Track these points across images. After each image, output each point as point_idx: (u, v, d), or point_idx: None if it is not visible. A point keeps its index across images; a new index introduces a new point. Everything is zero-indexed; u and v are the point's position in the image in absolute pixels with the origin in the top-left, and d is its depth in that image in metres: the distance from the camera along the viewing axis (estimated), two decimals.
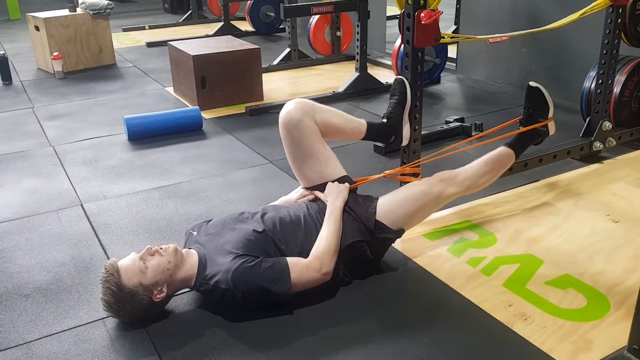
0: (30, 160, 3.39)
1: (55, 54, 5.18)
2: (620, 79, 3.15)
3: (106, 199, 2.86)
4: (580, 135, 3.11)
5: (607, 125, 3.03)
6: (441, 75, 4.77)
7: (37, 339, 1.87)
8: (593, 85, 3.12)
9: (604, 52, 2.92)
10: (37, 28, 5.39)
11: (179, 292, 2.01)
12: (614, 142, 3.10)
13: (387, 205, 2.15)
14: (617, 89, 3.14)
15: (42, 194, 2.92)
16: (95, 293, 2.05)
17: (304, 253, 1.99)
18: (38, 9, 5.97)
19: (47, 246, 2.43)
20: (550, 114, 2.45)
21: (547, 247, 2.30)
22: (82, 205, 2.80)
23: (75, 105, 4.42)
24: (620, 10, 2.83)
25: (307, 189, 2.26)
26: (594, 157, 3.12)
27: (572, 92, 3.87)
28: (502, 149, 2.42)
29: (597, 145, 3.05)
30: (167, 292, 1.88)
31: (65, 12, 5.42)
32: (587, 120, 3.11)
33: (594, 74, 3.13)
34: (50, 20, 5.24)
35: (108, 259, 2.25)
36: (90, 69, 5.53)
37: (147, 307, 1.86)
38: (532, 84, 2.47)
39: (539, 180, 2.90)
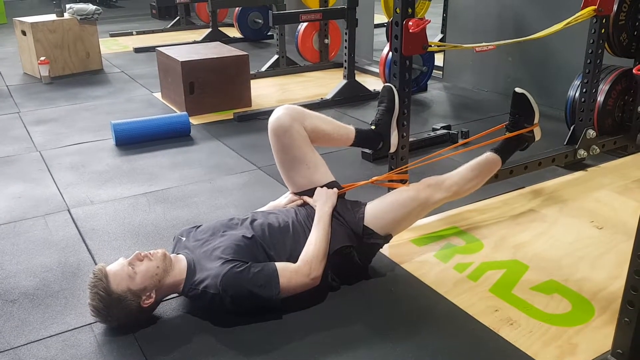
0: (17, 165, 3.36)
1: (42, 58, 5.15)
2: (603, 88, 3.20)
3: (93, 204, 2.85)
4: (565, 143, 3.15)
5: (591, 133, 3.08)
6: (428, 83, 4.81)
7: (24, 345, 1.85)
8: (577, 94, 3.16)
9: (588, 61, 2.97)
10: (23, 33, 5.36)
11: (167, 298, 2.01)
12: (598, 150, 3.14)
13: (375, 211, 2.17)
14: (600, 98, 3.19)
15: (29, 199, 2.91)
16: (82, 298, 2.04)
17: (293, 258, 1.99)
18: (25, 13, 5.94)
19: (34, 251, 2.41)
20: (536, 120, 2.49)
21: (532, 253, 2.33)
22: (69, 210, 2.78)
23: (62, 111, 4.40)
24: (604, 21, 2.88)
25: (295, 194, 2.27)
26: (578, 165, 3.17)
27: (556, 100, 3.93)
28: (488, 155, 2.45)
29: (582, 153, 3.10)
30: (155, 297, 1.88)
31: (52, 17, 5.40)
32: (572, 128, 3.16)
33: (578, 82, 3.18)
34: (37, 25, 5.22)
35: (95, 264, 2.24)
36: (77, 74, 5.51)
37: (135, 312, 1.85)
38: (517, 90, 2.51)
39: (524, 187, 2.93)
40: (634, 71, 1.65)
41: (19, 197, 2.93)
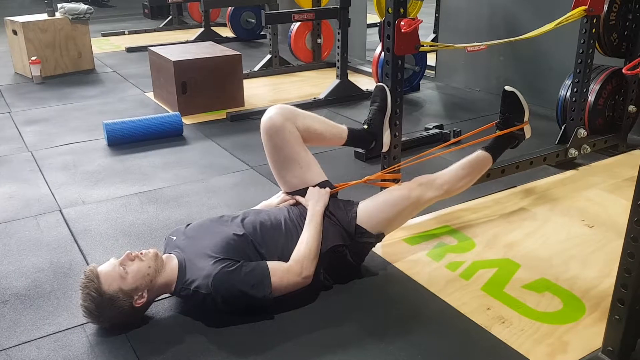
0: (8, 165, 3.35)
1: (34, 58, 5.12)
2: (594, 88, 3.22)
3: (85, 204, 2.84)
4: (556, 143, 3.17)
5: (582, 132, 3.10)
6: (420, 82, 4.82)
7: (15, 345, 1.85)
8: (568, 94, 3.18)
9: (579, 61, 2.99)
10: (14, 32, 5.33)
11: (159, 298, 2.00)
12: (589, 149, 3.16)
13: (367, 210, 2.17)
14: (591, 98, 3.21)
15: (20, 200, 2.89)
16: (74, 299, 2.04)
17: (285, 257, 1.99)
18: (16, 12, 5.90)
19: (26, 252, 2.40)
20: (526, 118, 2.50)
21: (524, 252, 2.34)
22: (60, 210, 2.77)
23: (53, 110, 4.38)
24: (594, 21, 2.90)
25: (288, 193, 2.27)
26: (569, 164, 3.18)
27: (548, 100, 3.95)
28: (479, 153, 2.47)
29: (573, 152, 3.11)
30: (147, 297, 1.87)
31: (43, 16, 5.37)
32: (563, 127, 3.17)
33: (569, 82, 3.19)
34: (29, 25, 5.19)
35: (87, 264, 2.23)
36: (69, 73, 5.48)
37: (127, 312, 1.85)
38: (507, 88, 2.52)
39: (516, 186, 2.94)
40: (623, 71, 1.66)
41: (10, 198, 2.92)
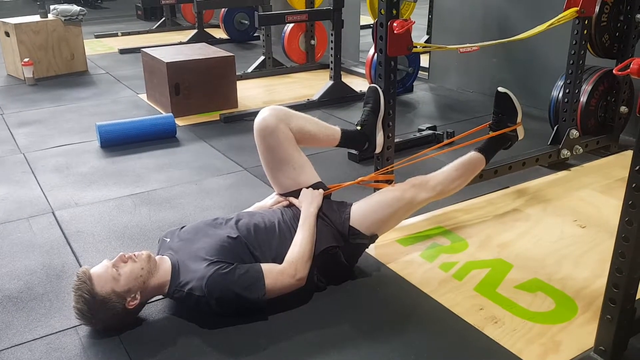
0: (0, 167, 3.33)
1: (26, 60, 5.10)
2: (586, 89, 3.23)
3: (78, 206, 2.83)
4: (549, 143, 3.18)
5: (574, 133, 3.11)
6: (414, 84, 4.83)
7: (7, 348, 1.84)
8: (560, 95, 3.20)
9: (571, 62, 3.00)
10: (7, 34, 5.31)
11: (152, 299, 2.00)
12: (581, 149, 3.18)
13: (361, 211, 2.17)
14: (583, 98, 3.23)
15: (12, 202, 2.88)
16: (67, 301, 2.03)
17: (279, 259, 1.99)
18: (8, 14, 5.88)
19: (18, 254, 2.39)
20: (519, 119, 2.52)
21: (516, 252, 2.35)
22: (53, 212, 2.76)
23: (46, 112, 4.37)
24: (586, 22, 2.91)
25: (281, 195, 2.27)
26: (561, 165, 3.20)
27: (540, 101, 3.96)
28: (472, 154, 2.48)
29: (565, 153, 3.13)
30: (140, 299, 1.87)
31: (36, 17, 5.35)
32: (555, 128, 3.19)
33: (562, 83, 3.21)
34: (21, 26, 5.17)
35: (80, 266, 2.22)
36: (61, 75, 5.46)
37: (120, 314, 1.84)
38: (500, 89, 2.53)
39: (508, 187, 2.95)
40: (615, 71, 1.68)
41: (3, 200, 2.90)
